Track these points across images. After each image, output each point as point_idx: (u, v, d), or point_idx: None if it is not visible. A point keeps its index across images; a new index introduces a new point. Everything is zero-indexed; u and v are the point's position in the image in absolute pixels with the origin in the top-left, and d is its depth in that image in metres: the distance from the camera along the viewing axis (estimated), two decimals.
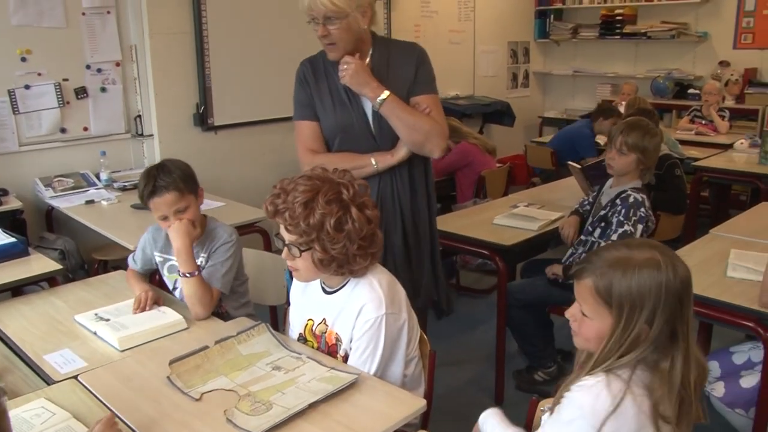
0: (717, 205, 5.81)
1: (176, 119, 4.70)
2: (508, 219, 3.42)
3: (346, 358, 1.88)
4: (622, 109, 5.58)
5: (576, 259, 3.10)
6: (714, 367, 2.64)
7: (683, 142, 5.37)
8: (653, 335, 1.40)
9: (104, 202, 3.85)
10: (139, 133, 4.62)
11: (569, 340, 1.56)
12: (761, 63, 6.57)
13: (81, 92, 4.32)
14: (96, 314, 2.23)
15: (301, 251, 1.81)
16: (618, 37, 7.35)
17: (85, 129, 4.38)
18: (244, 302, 2.55)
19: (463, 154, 5.04)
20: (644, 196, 2.99)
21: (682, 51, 7.05)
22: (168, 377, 1.77)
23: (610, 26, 7.39)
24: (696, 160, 5.09)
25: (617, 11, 7.33)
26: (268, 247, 3.49)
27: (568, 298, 1.54)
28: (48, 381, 1.86)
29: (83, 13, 4.26)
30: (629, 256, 1.43)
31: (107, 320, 2.17)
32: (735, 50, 6.68)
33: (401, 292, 1.91)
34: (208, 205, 3.64)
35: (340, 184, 1.81)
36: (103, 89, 4.42)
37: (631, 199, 2.95)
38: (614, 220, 2.97)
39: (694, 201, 5.09)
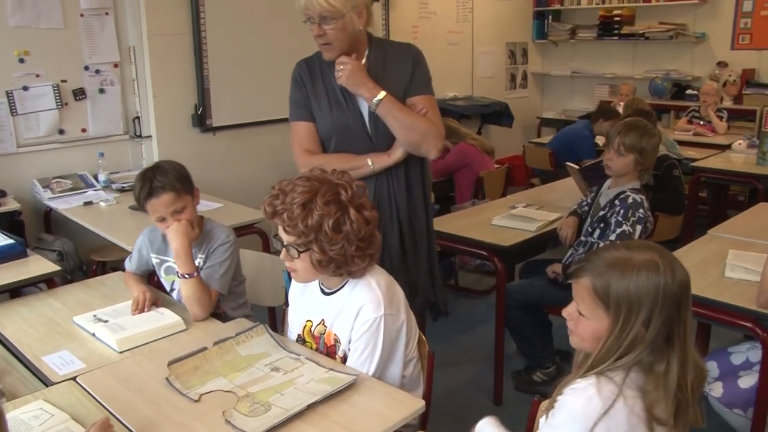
0: (715, 206, 5.81)
1: (174, 120, 4.70)
2: (507, 220, 3.42)
3: (344, 359, 1.88)
4: (620, 110, 5.58)
5: (576, 259, 3.10)
6: (712, 367, 2.65)
7: (681, 143, 5.38)
8: (649, 338, 1.40)
9: (102, 204, 3.84)
10: (138, 134, 4.62)
11: (568, 340, 1.56)
12: (759, 64, 6.58)
13: (79, 93, 4.32)
14: (94, 316, 2.22)
15: (300, 252, 1.81)
16: (616, 37, 7.35)
17: (84, 130, 4.38)
18: (241, 303, 2.55)
19: (462, 154, 5.05)
20: (643, 197, 2.99)
21: (680, 52, 7.06)
22: (166, 378, 1.77)
23: (608, 27, 7.40)
24: (694, 160, 5.09)
25: (615, 12, 7.33)
26: (266, 248, 3.49)
27: (566, 299, 1.54)
28: (46, 382, 1.86)
29: (81, 15, 4.26)
30: (628, 258, 1.43)
31: (106, 321, 2.17)
32: (733, 51, 6.70)
33: (400, 293, 1.91)
34: (207, 206, 3.64)
35: (338, 185, 1.81)
36: (102, 90, 4.41)
37: (630, 200, 2.96)
38: (613, 220, 2.97)
39: (693, 201, 5.09)
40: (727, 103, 6.44)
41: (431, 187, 4.59)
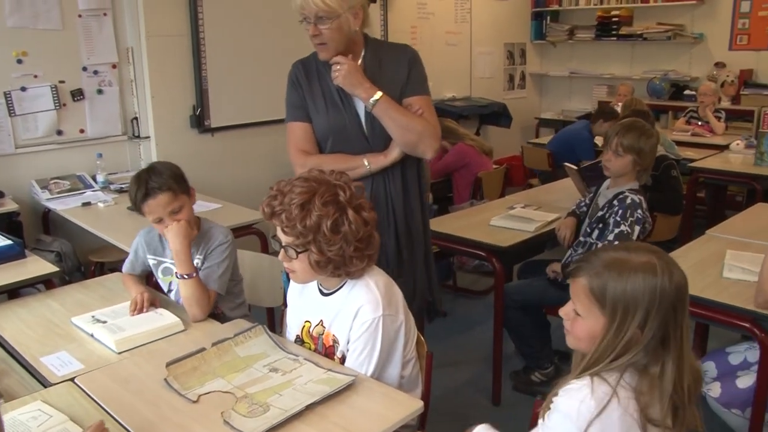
0: (713, 206, 5.82)
1: (173, 121, 4.70)
2: (505, 220, 3.42)
3: (343, 360, 1.88)
4: (618, 110, 5.59)
5: (574, 259, 3.10)
6: (710, 367, 2.65)
7: (679, 143, 5.39)
8: (645, 340, 1.40)
9: (101, 204, 3.84)
10: (136, 135, 4.62)
11: (566, 334, 1.56)
12: (757, 64, 6.59)
13: (77, 94, 4.32)
14: (93, 316, 2.22)
15: (298, 253, 1.81)
16: (614, 38, 7.37)
17: (82, 131, 4.38)
18: (239, 303, 2.55)
19: (460, 155, 5.05)
20: (641, 198, 2.99)
21: (678, 52, 7.07)
22: (165, 379, 1.76)
23: (606, 28, 7.42)
24: (692, 161, 5.10)
25: (613, 13, 7.35)
26: (264, 248, 3.49)
27: (565, 299, 1.54)
28: (45, 383, 1.86)
29: (79, 15, 4.26)
30: (626, 259, 1.44)
31: (104, 322, 2.17)
32: (731, 51, 6.71)
33: (398, 294, 1.91)
34: (205, 206, 3.64)
35: (336, 186, 1.81)
36: (100, 91, 4.41)
37: (629, 201, 2.96)
38: (611, 221, 2.97)
39: (691, 202, 5.10)
40: (725, 104, 6.46)
41: (429, 187, 4.63)
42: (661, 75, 7.05)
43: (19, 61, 4.06)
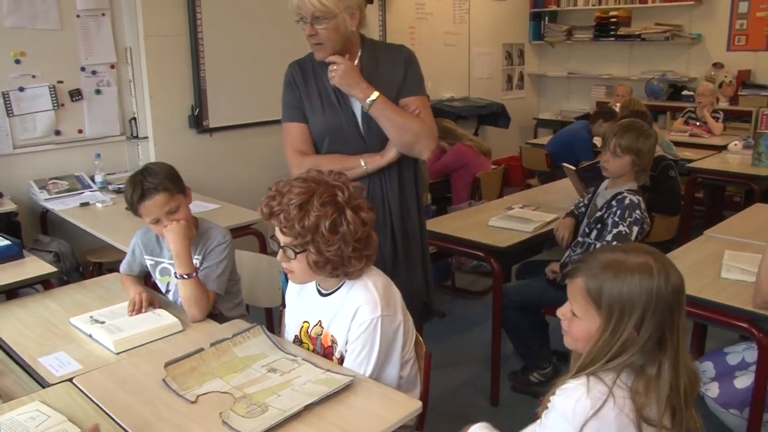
0: (711, 207, 5.82)
1: (171, 121, 4.69)
2: (503, 221, 3.43)
3: (341, 360, 1.88)
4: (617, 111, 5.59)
5: (573, 260, 3.11)
6: (708, 367, 2.65)
7: (677, 144, 5.39)
8: (641, 341, 1.41)
9: (99, 205, 3.84)
10: (134, 135, 4.62)
11: (563, 335, 1.56)
12: (755, 65, 6.60)
13: (75, 94, 4.32)
14: (91, 317, 2.22)
15: (296, 253, 1.81)
16: (612, 38, 7.37)
17: (80, 131, 4.38)
18: (237, 302, 2.55)
19: (458, 155, 5.06)
20: (640, 198, 2.99)
21: (676, 53, 7.08)
22: (163, 380, 1.76)
23: (604, 28, 7.42)
24: (690, 161, 5.10)
25: (611, 13, 7.36)
26: (263, 249, 3.49)
27: (563, 300, 1.55)
28: (43, 384, 1.86)
29: (78, 15, 4.26)
30: (623, 260, 1.44)
31: (102, 323, 2.17)
32: (729, 52, 6.72)
33: (397, 294, 1.91)
34: (203, 207, 3.64)
35: (335, 187, 1.81)
36: (98, 91, 4.41)
37: (627, 201, 2.96)
38: (609, 221, 2.97)
39: (689, 202, 5.11)
40: (723, 104, 6.46)
41: (427, 187, 4.63)
42: (659, 75, 7.06)
43: (17, 61, 4.06)
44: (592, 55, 7.73)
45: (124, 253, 2.57)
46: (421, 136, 2.37)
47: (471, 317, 4.33)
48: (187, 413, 1.65)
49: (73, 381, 1.83)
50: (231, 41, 4.88)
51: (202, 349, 1.88)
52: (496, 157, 6.56)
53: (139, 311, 2.24)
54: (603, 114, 5.42)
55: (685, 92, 6.88)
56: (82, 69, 4.33)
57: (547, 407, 1.48)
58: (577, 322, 1.49)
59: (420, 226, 2.58)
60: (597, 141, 5.33)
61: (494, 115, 7.01)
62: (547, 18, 7.94)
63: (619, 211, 2.95)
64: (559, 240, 3.29)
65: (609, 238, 2.93)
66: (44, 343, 2.09)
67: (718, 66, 6.73)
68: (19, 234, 3.70)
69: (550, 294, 3.14)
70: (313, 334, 1.97)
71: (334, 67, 2.31)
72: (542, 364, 3.37)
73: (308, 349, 1.97)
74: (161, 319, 2.20)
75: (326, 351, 1.93)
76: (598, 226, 3.05)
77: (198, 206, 3.59)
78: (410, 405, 1.67)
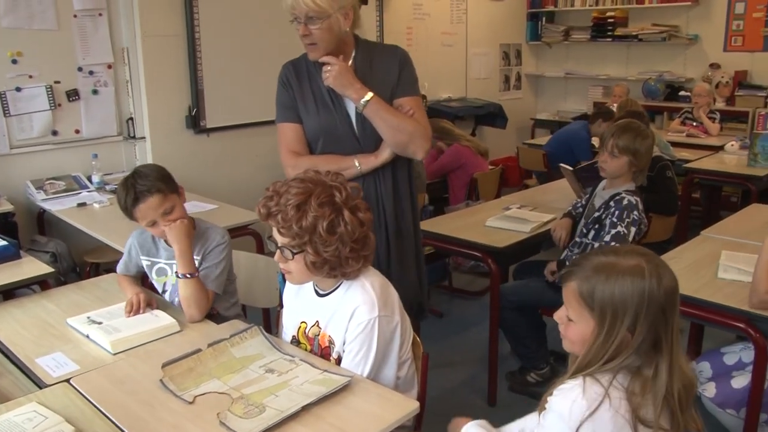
0: (708, 207, 5.84)
1: (168, 122, 4.69)
2: (501, 221, 3.43)
3: (339, 361, 1.88)
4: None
5: (571, 260, 3.11)
6: (705, 367, 2.66)
7: (674, 144, 5.40)
8: (635, 343, 1.41)
9: (96, 205, 3.83)
10: (131, 135, 4.61)
11: (561, 341, 1.57)
12: (751, 65, 6.61)
13: (72, 95, 4.31)
14: (88, 317, 2.22)
15: (294, 254, 1.81)
16: (609, 39, 7.38)
17: (77, 131, 4.37)
18: (233, 302, 2.55)
19: (456, 156, 5.06)
20: (638, 199, 3.00)
21: (673, 53, 7.09)
22: (161, 380, 1.76)
23: (601, 29, 7.43)
24: (687, 161, 5.11)
25: (609, 14, 7.37)
26: (260, 249, 3.49)
27: (560, 300, 1.55)
28: (40, 385, 1.86)
29: (75, 16, 4.25)
30: (614, 262, 1.45)
31: (100, 323, 2.16)
32: (725, 53, 6.73)
33: (394, 295, 1.91)
34: (201, 207, 3.64)
35: (332, 187, 1.81)
36: (95, 92, 4.40)
37: (625, 202, 2.96)
38: (607, 221, 2.98)
39: (686, 202, 5.12)
40: (720, 105, 6.48)
41: (424, 188, 4.63)
42: (656, 76, 7.07)
43: (14, 62, 4.05)
44: (589, 55, 7.74)
45: (122, 254, 2.57)
46: (415, 137, 2.37)
47: (468, 317, 4.33)
48: (185, 414, 1.64)
49: (71, 382, 1.83)
50: (228, 41, 4.87)
51: (199, 350, 1.88)
52: (494, 157, 6.57)
53: (137, 312, 2.24)
54: (602, 114, 5.43)
55: (682, 93, 6.90)
56: (79, 69, 4.32)
57: (545, 408, 1.48)
58: (573, 326, 1.50)
59: (414, 227, 2.58)
60: (595, 141, 5.34)
61: (491, 116, 7.02)
62: (544, 18, 7.95)
63: (617, 212, 2.95)
64: (556, 240, 3.29)
65: (607, 238, 2.94)
66: (41, 344, 2.08)
67: (714, 66, 6.75)
68: (15, 234, 3.70)
69: (548, 294, 3.15)
70: (310, 335, 1.97)
71: (328, 68, 2.31)
72: (539, 364, 3.38)
73: (306, 350, 1.97)
74: (158, 319, 2.20)
75: (324, 351, 1.93)
76: (596, 226, 3.05)
77: (195, 206, 3.60)
78: (408, 405, 1.68)
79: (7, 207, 3.81)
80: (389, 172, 2.45)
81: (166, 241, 2.40)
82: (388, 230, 2.46)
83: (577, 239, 3.16)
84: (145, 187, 2.24)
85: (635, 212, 2.96)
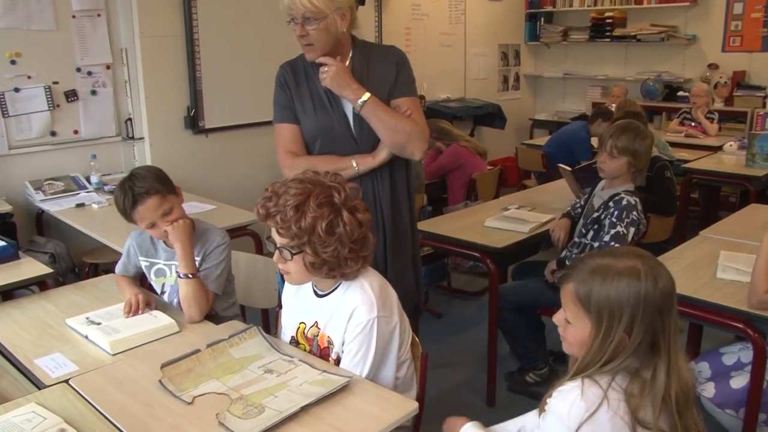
0: (707, 207, 5.84)
1: (167, 122, 4.69)
2: (499, 221, 3.43)
3: (338, 361, 1.88)
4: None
5: (570, 259, 3.11)
6: (704, 368, 2.66)
7: (673, 144, 5.40)
8: (633, 344, 1.42)
9: (95, 206, 3.83)
10: (130, 136, 4.61)
11: (560, 341, 1.57)
12: (750, 65, 6.61)
13: (71, 95, 4.31)
14: (87, 318, 2.22)
15: (293, 254, 1.81)
16: (608, 39, 7.39)
17: (76, 132, 4.36)
18: (231, 302, 2.55)
19: (455, 156, 5.06)
20: (637, 200, 3.00)
21: (671, 54, 7.10)
22: (160, 381, 1.76)
23: (600, 29, 7.43)
24: (686, 162, 5.12)
25: (607, 14, 7.37)
26: (259, 250, 3.49)
27: (559, 301, 1.56)
28: (39, 385, 1.86)
29: (73, 16, 4.24)
30: (611, 264, 1.45)
31: (99, 324, 2.16)
32: (724, 53, 6.73)
33: (393, 295, 1.91)
34: (200, 207, 3.64)
35: (331, 188, 1.81)
36: (94, 92, 4.40)
37: (624, 202, 2.96)
38: (607, 221, 2.98)
39: (684, 203, 5.12)
40: (719, 105, 6.48)
41: (423, 188, 4.63)
42: (654, 76, 7.08)
43: (13, 62, 4.05)
44: (587, 55, 7.75)
45: (120, 254, 2.57)
46: (413, 137, 2.37)
47: (467, 318, 4.33)
48: (184, 414, 1.64)
49: (70, 382, 1.82)
50: (227, 42, 4.87)
51: (198, 351, 1.88)
52: (492, 157, 6.56)
53: (136, 313, 2.24)
54: (602, 114, 5.42)
55: (680, 93, 6.90)
56: (78, 70, 4.32)
57: (545, 409, 1.49)
58: (571, 328, 1.51)
59: (411, 227, 2.58)
60: (595, 141, 5.33)
61: (490, 116, 7.02)
62: (542, 19, 7.95)
63: (616, 212, 2.95)
64: (555, 241, 3.29)
65: (606, 238, 2.94)
66: (40, 345, 2.08)
67: (713, 67, 6.75)
68: (14, 235, 3.69)
69: (547, 295, 3.15)
70: (309, 335, 1.97)
71: (325, 69, 2.31)
72: (538, 364, 3.38)
73: (305, 350, 1.97)
74: (157, 320, 2.20)
75: (323, 352, 1.93)
76: (595, 226, 3.05)
77: (194, 207, 3.59)
78: (407, 406, 1.68)
79: (5, 208, 3.81)
80: (387, 172, 2.45)
81: (165, 243, 2.41)
82: (386, 231, 2.46)
83: (576, 239, 3.16)
84: (144, 189, 2.23)
85: (634, 212, 2.96)
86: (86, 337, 2.11)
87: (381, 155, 2.40)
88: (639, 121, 3.59)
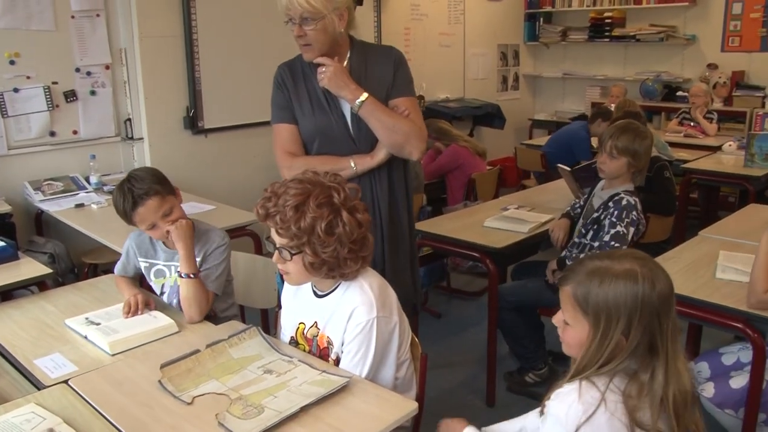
0: (706, 207, 5.84)
1: (166, 122, 4.68)
2: (499, 221, 3.43)
3: (337, 362, 1.88)
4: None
5: (570, 259, 3.11)
6: (704, 368, 2.66)
7: (672, 144, 5.40)
8: (630, 347, 1.42)
9: (94, 206, 3.83)
10: (129, 136, 4.61)
11: (559, 341, 1.58)
12: (749, 66, 6.62)
13: (70, 95, 4.31)
14: (86, 318, 2.22)
15: (292, 254, 1.81)
16: (607, 39, 7.38)
17: (75, 132, 4.36)
18: (230, 303, 2.55)
19: (454, 156, 5.06)
20: (636, 200, 3.00)
21: (670, 54, 7.10)
22: (159, 381, 1.76)
23: (599, 29, 7.43)
24: (685, 162, 5.12)
25: (606, 14, 7.37)
26: (258, 250, 3.49)
27: (558, 301, 1.56)
28: (38, 386, 1.85)
29: (72, 16, 4.24)
30: (609, 267, 1.46)
31: (98, 324, 2.16)
32: (723, 53, 6.74)
33: (392, 295, 1.91)
34: (199, 208, 3.64)
35: (330, 188, 1.81)
36: (93, 92, 4.40)
37: (624, 202, 2.96)
38: (606, 221, 2.98)
39: (683, 203, 5.12)
40: (718, 105, 6.49)
41: (422, 188, 4.63)
42: (653, 76, 7.08)
43: (12, 62, 4.04)
44: (586, 55, 7.75)
45: (120, 255, 2.57)
46: (411, 137, 2.37)
47: (466, 318, 4.33)
48: (183, 415, 1.64)
49: (69, 383, 1.83)
50: (226, 42, 4.87)
51: (198, 351, 1.88)
52: (492, 157, 6.56)
53: (135, 313, 2.23)
54: (602, 114, 5.42)
55: (679, 93, 6.90)
56: (77, 70, 4.32)
57: (544, 412, 1.50)
58: (570, 330, 1.52)
59: (410, 228, 2.58)
60: (595, 141, 5.33)
61: (489, 116, 7.02)
62: (541, 19, 7.95)
63: (616, 212, 2.95)
64: (554, 241, 3.30)
65: (606, 238, 2.94)
66: (39, 345, 2.08)
67: (712, 67, 6.75)
68: (13, 235, 3.69)
69: (546, 295, 3.15)
70: (309, 336, 1.97)
71: (323, 69, 2.32)
72: (538, 364, 3.38)
73: (304, 351, 1.97)
74: (157, 320, 2.20)
75: (322, 352, 1.93)
76: (595, 227, 3.05)
77: (193, 207, 3.59)
78: (406, 406, 1.68)
79: (5, 208, 3.81)
80: (385, 173, 2.45)
81: (164, 244, 2.41)
82: (384, 231, 2.46)
83: (576, 240, 3.16)
84: (143, 190, 2.23)
85: (634, 212, 2.96)
86: (85, 337, 2.11)
87: (379, 155, 2.40)
88: (638, 121, 3.59)
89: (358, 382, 1.77)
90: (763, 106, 6.35)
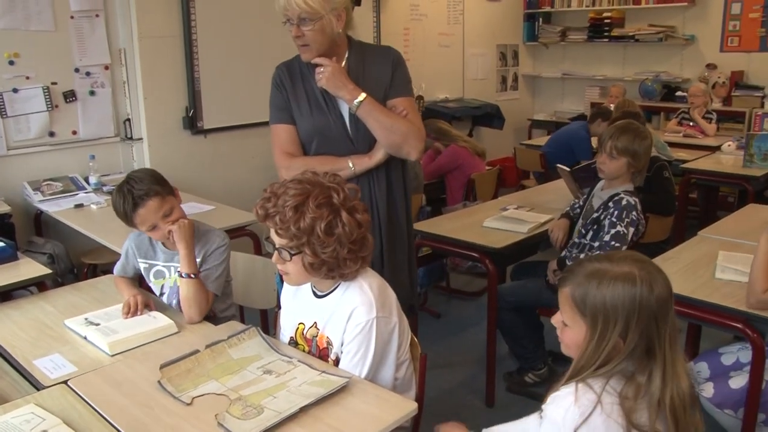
0: (705, 207, 5.84)
1: (165, 123, 4.68)
2: (498, 221, 3.43)
3: (337, 362, 1.88)
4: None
5: (570, 259, 3.11)
6: (703, 368, 2.66)
7: (671, 144, 5.40)
8: (627, 349, 1.42)
9: (93, 206, 3.83)
10: (129, 136, 4.61)
11: (559, 341, 1.58)
12: (748, 66, 6.62)
13: (70, 96, 4.31)
14: (86, 319, 2.21)
15: (292, 255, 1.81)
16: (606, 40, 7.39)
17: (74, 132, 4.36)
18: (229, 303, 2.55)
19: (453, 156, 5.06)
20: (636, 200, 3.00)
21: (669, 54, 7.10)
22: (159, 382, 1.76)
23: (598, 29, 7.44)
24: (684, 162, 5.12)
25: (605, 14, 7.37)
26: (258, 250, 3.49)
27: (558, 301, 1.56)
28: (38, 386, 1.85)
29: (72, 17, 4.24)
30: (607, 269, 1.46)
31: (97, 325, 2.16)
32: (722, 53, 6.74)
33: (392, 296, 1.91)
34: (198, 208, 3.64)
35: (330, 188, 1.81)
36: (92, 93, 4.40)
37: (624, 202, 2.96)
38: (606, 222, 2.97)
39: (683, 203, 5.12)
40: (717, 105, 6.49)
41: (422, 188, 4.64)
42: (652, 76, 7.08)
43: (11, 63, 4.05)
44: (586, 56, 7.75)
45: (119, 255, 2.56)
46: (409, 137, 2.37)
47: (466, 318, 4.33)
48: (183, 415, 1.64)
49: (68, 383, 1.82)
50: (225, 42, 4.87)
51: (197, 351, 1.87)
52: (491, 158, 6.56)
53: (134, 314, 2.23)
54: (602, 114, 5.42)
55: (678, 93, 6.90)
56: (76, 70, 4.32)
57: (541, 416, 1.50)
58: (568, 331, 1.52)
59: (408, 228, 2.59)
60: (595, 141, 5.33)
61: (489, 116, 7.02)
62: (541, 19, 7.95)
63: (616, 212, 2.95)
64: (554, 241, 3.29)
65: (607, 238, 2.94)
66: (39, 345, 2.08)
67: (711, 67, 6.76)
68: (13, 236, 3.69)
69: (546, 295, 3.15)
70: (308, 336, 1.97)
71: (321, 69, 2.32)
72: (537, 364, 3.38)
73: (303, 351, 1.97)
74: (156, 321, 2.20)
75: (322, 353, 1.92)
76: (594, 227, 3.05)
77: (192, 207, 3.59)
78: (406, 406, 1.68)
79: (4, 208, 3.81)
80: (383, 173, 2.45)
81: (164, 244, 2.41)
82: (382, 231, 2.46)
83: (576, 240, 3.16)
84: (143, 191, 2.24)
85: (634, 213, 2.96)
86: (85, 337, 2.11)
87: (377, 156, 2.40)
88: (637, 121, 3.59)
89: (358, 382, 1.77)
90: (762, 106, 6.35)
